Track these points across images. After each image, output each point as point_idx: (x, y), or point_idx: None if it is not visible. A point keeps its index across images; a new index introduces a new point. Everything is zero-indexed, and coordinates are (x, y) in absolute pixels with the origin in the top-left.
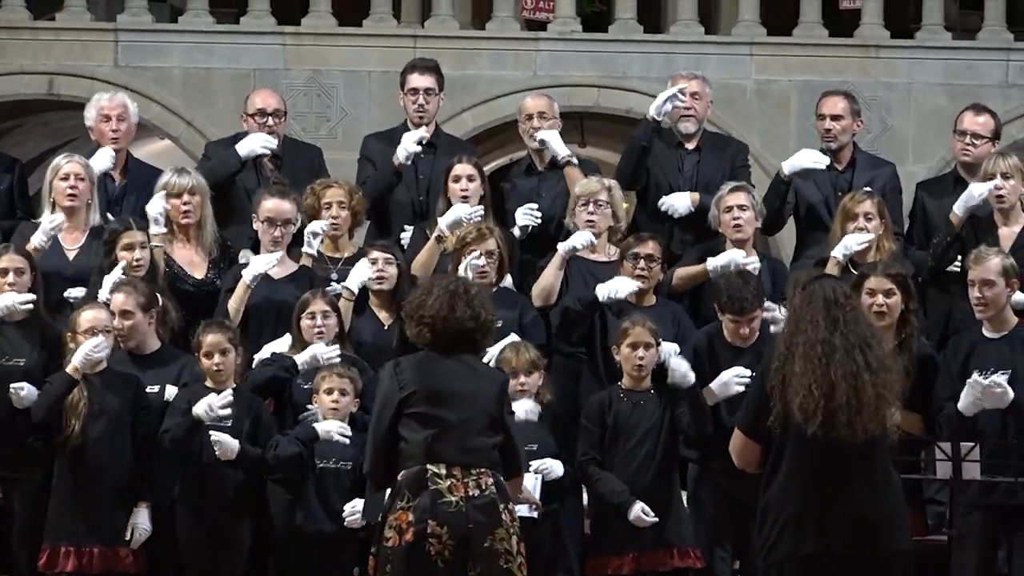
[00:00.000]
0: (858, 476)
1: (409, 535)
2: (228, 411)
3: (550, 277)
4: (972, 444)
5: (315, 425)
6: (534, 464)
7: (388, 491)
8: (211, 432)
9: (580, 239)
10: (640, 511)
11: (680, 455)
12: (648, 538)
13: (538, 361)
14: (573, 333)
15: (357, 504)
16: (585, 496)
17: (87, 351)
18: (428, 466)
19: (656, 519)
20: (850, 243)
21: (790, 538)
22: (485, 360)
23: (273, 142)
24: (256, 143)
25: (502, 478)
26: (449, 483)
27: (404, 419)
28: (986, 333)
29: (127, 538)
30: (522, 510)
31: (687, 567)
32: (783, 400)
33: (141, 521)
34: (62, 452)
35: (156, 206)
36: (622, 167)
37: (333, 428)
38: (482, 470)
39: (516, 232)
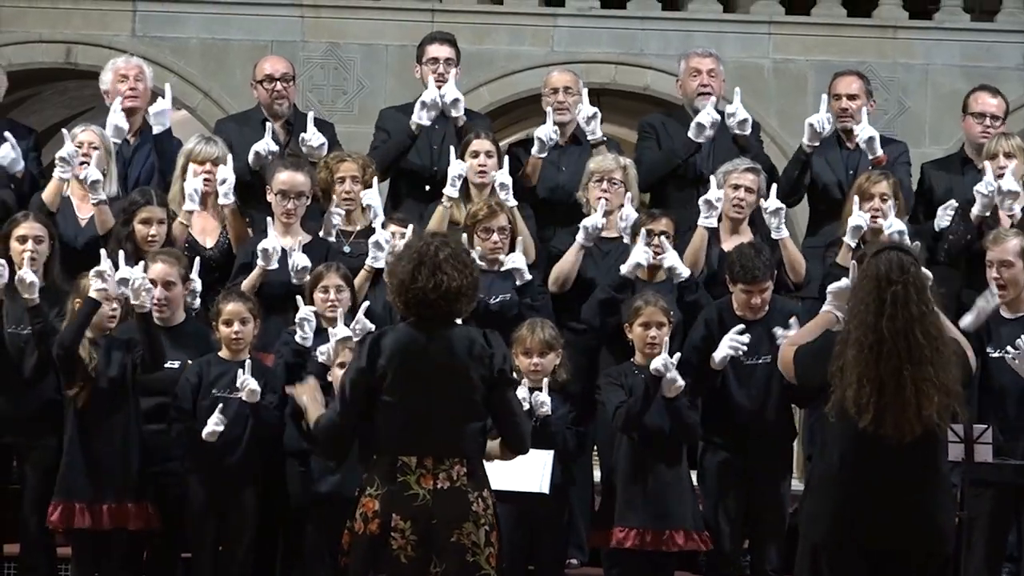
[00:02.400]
0: (905, 476)
1: (374, 526)
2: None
3: (567, 265)
4: (985, 427)
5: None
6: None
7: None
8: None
9: (593, 220)
10: (662, 362)
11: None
12: (654, 515)
13: (553, 341)
14: (610, 321)
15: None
16: (596, 473)
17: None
18: (399, 456)
19: (672, 376)
20: (858, 221)
21: (825, 523)
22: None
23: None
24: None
25: (482, 462)
26: (418, 474)
27: (379, 403)
28: (1003, 313)
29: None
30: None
31: (692, 549)
32: (841, 388)
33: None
34: (72, 409)
35: (193, 183)
36: (654, 170)
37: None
38: (455, 459)
39: (534, 149)
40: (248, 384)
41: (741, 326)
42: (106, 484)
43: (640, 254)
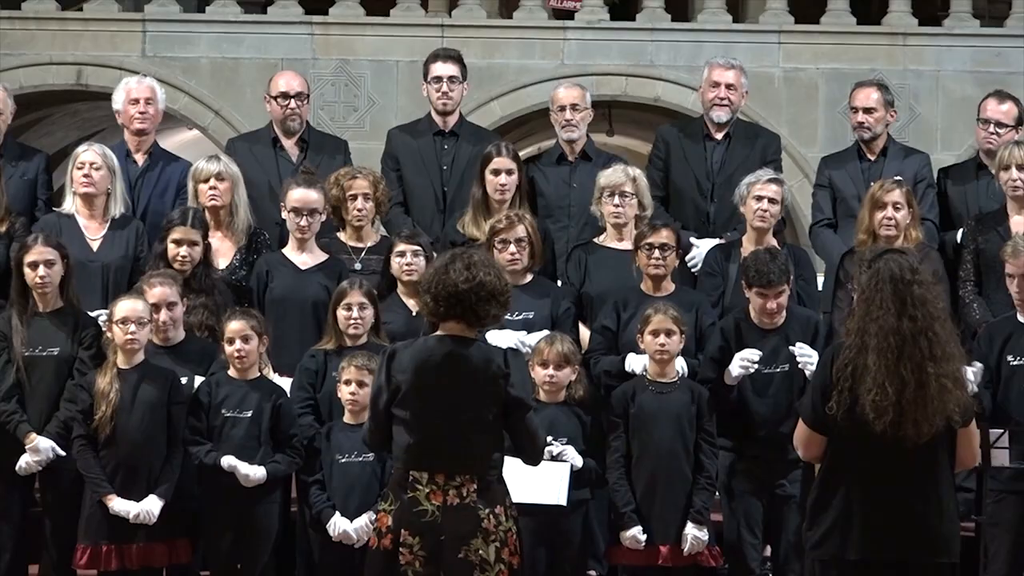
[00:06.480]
0: (917, 480)
1: (387, 541)
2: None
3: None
4: (1001, 431)
5: None
6: (554, 449)
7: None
8: (237, 466)
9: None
10: (635, 534)
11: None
12: (664, 532)
13: (571, 356)
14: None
15: None
16: None
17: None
18: (411, 471)
19: (643, 543)
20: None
21: (838, 539)
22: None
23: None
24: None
25: (498, 478)
26: (428, 490)
27: (394, 417)
28: (1021, 319)
29: (130, 517)
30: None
31: (701, 564)
32: (852, 393)
33: (149, 507)
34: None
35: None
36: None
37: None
38: (467, 476)
39: None
40: (248, 475)
41: (757, 353)
42: (133, 524)
43: (639, 361)
